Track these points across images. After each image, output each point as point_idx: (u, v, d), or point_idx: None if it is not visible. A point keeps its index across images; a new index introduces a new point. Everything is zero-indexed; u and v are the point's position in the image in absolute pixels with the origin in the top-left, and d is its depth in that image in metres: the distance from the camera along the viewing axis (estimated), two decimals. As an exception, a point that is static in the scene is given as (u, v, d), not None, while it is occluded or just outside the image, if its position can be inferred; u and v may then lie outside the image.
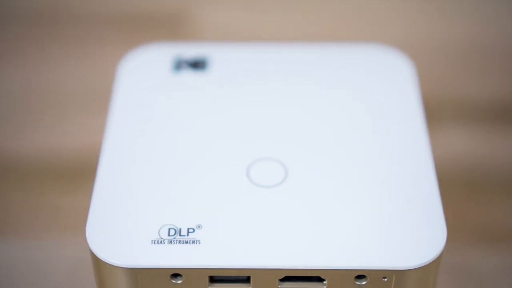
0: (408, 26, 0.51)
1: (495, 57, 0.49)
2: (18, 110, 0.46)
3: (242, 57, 0.36)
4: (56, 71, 0.48)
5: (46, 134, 0.44)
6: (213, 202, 0.30)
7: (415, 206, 0.30)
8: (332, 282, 0.28)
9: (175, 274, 0.28)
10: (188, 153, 0.32)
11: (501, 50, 0.50)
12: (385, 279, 0.28)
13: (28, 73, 0.48)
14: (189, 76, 0.35)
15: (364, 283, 0.28)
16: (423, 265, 0.28)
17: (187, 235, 0.29)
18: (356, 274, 0.28)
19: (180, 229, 0.29)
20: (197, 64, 0.36)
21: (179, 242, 0.28)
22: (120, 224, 0.29)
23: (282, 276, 0.28)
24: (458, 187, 0.42)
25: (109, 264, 0.28)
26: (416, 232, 0.29)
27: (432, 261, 0.28)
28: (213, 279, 0.29)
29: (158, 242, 0.28)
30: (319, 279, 0.29)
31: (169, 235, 0.29)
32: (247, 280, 0.29)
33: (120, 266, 0.28)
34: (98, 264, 0.29)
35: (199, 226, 0.29)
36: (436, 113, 0.45)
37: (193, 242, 0.28)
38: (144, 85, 0.35)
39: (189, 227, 0.29)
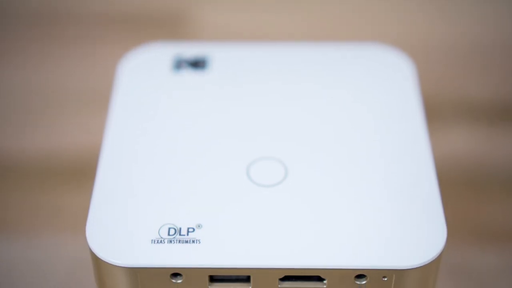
0: (408, 25, 0.51)
1: (495, 56, 0.49)
2: (18, 109, 0.46)
3: (242, 57, 0.36)
4: (56, 71, 0.48)
5: (46, 134, 0.45)
6: (213, 201, 0.30)
7: (415, 205, 0.30)
8: (332, 282, 0.28)
9: (175, 274, 0.28)
10: (188, 152, 0.32)
11: (501, 49, 0.50)
12: (385, 279, 0.28)
13: (28, 73, 0.48)
14: (189, 75, 0.35)
15: (364, 282, 0.28)
16: (423, 264, 0.28)
17: (187, 234, 0.29)
18: (356, 274, 0.28)
19: (180, 229, 0.29)
20: (197, 64, 0.36)
21: (179, 242, 0.28)
22: (120, 224, 0.29)
23: (282, 276, 0.28)
24: (458, 186, 0.42)
25: (109, 263, 0.28)
26: (416, 231, 0.29)
27: (432, 261, 0.28)
28: (213, 279, 0.29)
29: (158, 242, 0.28)
30: (319, 279, 0.29)
31: (169, 234, 0.29)
32: (247, 279, 0.29)
33: (120, 265, 0.28)
34: (98, 263, 0.29)
35: (199, 226, 0.29)
36: (436, 112, 0.45)
37: (193, 241, 0.28)
38: (144, 84, 0.35)
39: (189, 226, 0.29)
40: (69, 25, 0.51)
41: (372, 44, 0.37)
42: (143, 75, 0.35)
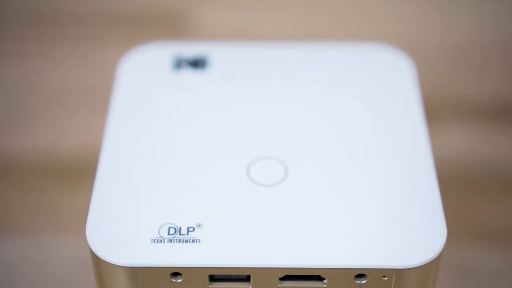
0: (409, 25, 0.51)
1: (495, 56, 0.49)
2: (18, 109, 0.46)
3: (242, 56, 0.36)
4: (56, 71, 0.48)
5: (46, 134, 0.45)
6: (213, 201, 0.30)
7: (415, 205, 0.30)
8: (332, 281, 0.28)
9: (175, 273, 0.28)
10: (188, 152, 0.32)
11: (501, 49, 0.50)
12: (385, 278, 0.28)
13: (28, 73, 0.48)
14: (189, 75, 0.35)
15: (364, 282, 0.28)
16: (423, 264, 0.28)
17: (187, 234, 0.29)
18: (356, 273, 0.28)
19: (180, 228, 0.29)
20: (197, 63, 0.36)
21: (179, 241, 0.28)
22: (120, 223, 0.29)
23: (282, 275, 0.28)
24: (458, 186, 0.42)
25: (109, 263, 0.28)
26: (416, 231, 0.29)
27: (432, 260, 0.28)
28: (213, 278, 0.29)
29: (158, 241, 0.28)
30: (319, 278, 0.29)
31: (169, 234, 0.29)
32: (247, 279, 0.29)
33: (120, 265, 0.28)
34: (98, 263, 0.29)
35: (199, 225, 0.29)
36: (436, 112, 0.45)
37: (193, 241, 0.28)
38: (144, 83, 0.35)
39: (189, 226, 0.29)
40: (69, 25, 0.51)
41: (372, 44, 0.37)
42: (143, 75, 0.35)
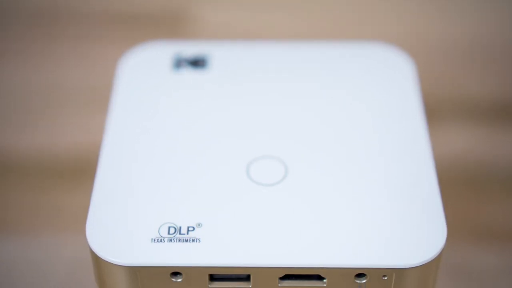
0: (409, 24, 0.51)
1: (495, 55, 0.49)
2: (18, 109, 0.46)
3: (242, 55, 0.36)
4: (56, 70, 0.48)
5: (46, 133, 0.45)
6: (213, 200, 0.30)
7: (415, 205, 0.30)
8: (332, 281, 0.28)
9: (175, 273, 0.28)
10: (187, 151, 0.32)
11: (501, 48, 0.50)
12: (385, 278, 0.28)
13: (28, 73, 0.48)
14: (189, 74, 0.35)
15: (364, 281, 0.28)
16: (423, 263, 0.28)
17: (187, 233, 0.29)
18: (356, 273, 0.28)
19: (180, 228, 0.29)
20: (197, 62, 0.36)
21: (179, 241, 0.28)
22: (120, 223, 0.29)
23: (282, 275, 0.28)
24: (458, 186, 0.42)
25: (109, 262, 0.28)
26: (416, 230, 0.29)
27: (432, 260, 0.28)
28: (213, 277, 0.29)
29: (158, 241, 0.28)
30: (319, 278, 0.29)
31: (169, 233, 0.29)
32: (247, 278, 0.29)
33: (120, 264, 0.28)
34: (98, 262, 0.29)
35: (199, 225, 0.29)
36: (436, 111, 0.45)
37: (193, 240, 0.28)
38: (144, 83, 0.35)
39: (189, 225, 0.29)
40: (69, 24, 0.51)
41: (372, 43, 0.37)
42: (143, 74, 0.35)
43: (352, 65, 0.35)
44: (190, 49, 0.36)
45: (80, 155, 0.43)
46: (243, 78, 0.35)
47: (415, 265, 0.28)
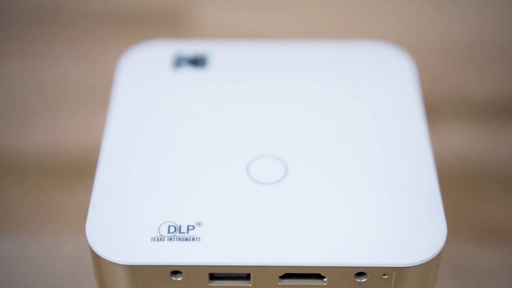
0: (409, 24, 0.51)
1: (495, 54, 0.49)
2: (18, 108, 0.46)
3: (242, 54, 0.36)
4: (56, 70, 0.48)
5: (46, 132, 0.45)
6: (213, 199, 0.30)
7: (415, 203, 0.30)
8: (332, 280, 0.28)
9: (175, 271, 0.28)
10: (188, 150, 0.32)
11: (501, 48, 0.50)
12: (385, 276, 0.28)
13: (28, 72, 0.48)
14: (189, 73, 0.35)
15: (364, 280, 0.28)
16: (423, 262, 0.28)
17: (187, 232, 0.29)
18: (356, 272, 0.28)
19: (180, 226, 0.29)
20: (197, 61, 0.36)
21: (179, 239, 0.28)
22: (120, 221, 0.29)
23: (282, 274, 0.28)
24: (458, 184, 0.42)
25: (109, 261, 0.28)
26: (417, 229, 0.29)
27: (432, 258, 0.28)
28: (213, 276, 0.29)
29: (158, 239, 0.28)
30: (319, 277, 0.28)
31: (169, 232, 0.29)
32: (247, 277, 0.29)
33: (120, 263, 0.28)
34: (98, 261, 0.29)
35: (199, 224, 0.29)
36: (436, 110, 0.45)
37: (193, 239, 0.28)
38: (144, 82, 0.35)
39: (189, 224, 0.29)
40: (68, 23, 0.51)
41: (372, 42, 0.37)
42: (143, 73, 0.35)
43: (352, 64, 0.35)
44: (190, 48, 0.36)
45: (80, 154, 0.43)
46: (243, 77, 0.35)
47: (415, 264, 0.28)
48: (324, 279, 0.28)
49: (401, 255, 0.28)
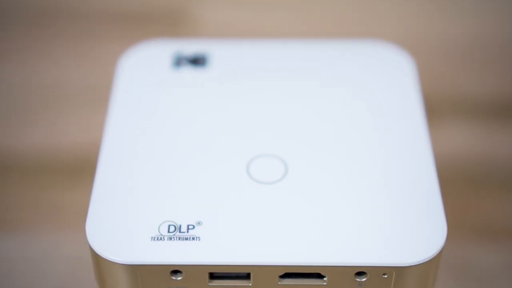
0: (409, 23, 0.51)
1: (495, 54, 0.49)
2: (18, 108, 0.46)
3: (242, 54, 0.36)
4: (56, 69, 0.48)
5: (46, 132, 0.45)
6: (213, 198, 0.30)
7: (415, 203, 0.30)
8: (332, 279, 0.28)
9: (175, 271, 0.28)
10: (188, 149, 0.32)
11: (501, 48, 0.50)
12: (385, 276, 0.28)
13: (28, 72, 0.48)
14: (189, 72, 0.35)
15: (364, 279, 0.28)
16: (423, 261, 0.28)
17: (187, 231, 0.29)
18: (356, 271, 0.28)
19: (180, 226, 0.29)
20: (197, 61, 0.36)
21: (179, 239, 0.28)
22: (120, 221, 0.29)
23: (282, 273, 0.28)
24: (458, 184, 0.42)
25: (109, 260, 0.28)
26: (416, 228, 0.29)
27: (432, 258, 0.28)
28: (213, 276, 0.29)
29: (158, 239, 0.28)
30: (319, 276, 0.28)
31: (169, 231, 0.29)
32: (247, 276, 0.29)
33: (120, 262, 0.28)
34: (98, 261, 0.29)
35: (199, 223, 0.29)
36: (436, 109, 0.45)
37: (193, 238, 0.28)
38: (144, 81, 0.35)
39: (189, 223, 0.29)
40: (68, 23, 0.51)
41: (372, 42, 0.37)
42: (143, 72, 0.35)
43: (352, 63, 0.35)
44: (190, 47, 0.36)
45: (80, 154, 0.43)
46: (243, 76, 0.35)
47: (416, 263, 0.28)
48: (324, 279, 0.28)
49: (401, 254, 0.28)
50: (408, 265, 0.28)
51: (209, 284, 0.29)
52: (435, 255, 0.28)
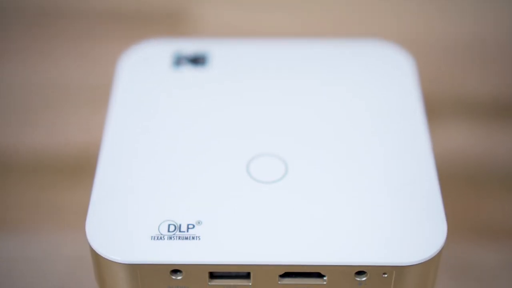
0: (409, 22, 0.51)
1: (495, 54, 0.49)
2: (18, 108, 0.46)
3: (242, 53, 0.36)
4: (56, 69, 0.48)
5: (46, 132, 0.44)
6: (213, 198, 0.30)
7: (415, 202, 0.30)
8: (332, 278, 0.28)
9: (175, 270, 0.28)
10: (187, 149, 0.32)
11: (500, 48, 0.50)
12: (385, 275, 0.28)
13: (28, 72, 0.48)
14: (189, 72, 0.35)
15: (364, 279, 0.28)
16: (423, 261, 0.28)
17: (187, 231, 0.29)
18: (356, 270, 0.28)
19: (180, 225, 0.29)
20: (197, 60, 0.36)
21: (179, 238, 0.28)
22: (120, 220, 0.29)
23: (282, 272, 0.28)
24: (458, 183, 0.42)
25: (109, 260, 0.28)
26: (416, 228, 0.29)
27: (432, 257, 0.28)
28: (213, 275, 0.29)
29: (158, 238, 0.28)
30: (319, 275, 0.28)
31: (169, 231, 0.29)
32: (247, 276, 0.29)
33: (120, 262, 0.28)
34: (98, 260, 0.29)
35: (199, 222, 0.29)
36: (436, 109, 0.45)
37: (193, 238, 0.28)
38: (144, 81, 0.35)
39: (189, 223, 0.29)
40: (68, 23, 0.51)
41: (372, 41, 0.37)
42: (143, 72, 0.35)
43: (353, 63, 0.35)
44: (190, 46, 0.36)
45: (80, 154, 0.43)
46: (243, 76, 0.35)
47: (416, 263, 0.28)
48: (324, 278, 0.28)
49: (401, 254, 0.28)
50: (408, 265, 0.28)
51: (209, 283, 0.29)
52: (435, 254, 0.28)
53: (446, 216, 0.29)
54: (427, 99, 0.36)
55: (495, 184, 0.42)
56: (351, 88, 0.34)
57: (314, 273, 0.28)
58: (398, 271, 0.28)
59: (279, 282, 0.29)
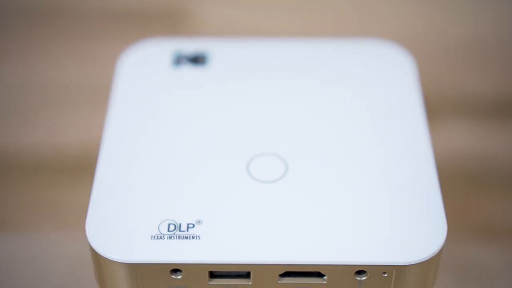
0: (409, 22, 0.51)
1: (495, 54, 0.49)
2: (18, 107, 0.46)
3: (242, 52, 0.36)
4: (56, 69, 0.48)
5: (46, 132, 0.45)
6: (213, 197, 0.30)
7: (415, 202, 0.30)
8: (332, 278, 0.28)
9: (175, 270, 0.28)
10: (187, 148, 0.32)
11: (500, 48, 0.50)
12: (385, 275, 0.28)
13: (28, 71, 0.48)
14: (189, 71, 0.35)
15: (364, 278, 0.28)
16: (423, 260, 0.28)
17: (187, 230, 0.29)
18: (356, 270, 0.28)
19: (180, 225, 0.29)
20: (197, 59, 0.36)
21: (179, 238, 0.28)
22: (120, 220, 0.29)
23: (282, 272, 0.28)
24: (459, 183, 0.42)
25: (109, 259, 0.28)
26: (417, 227, 0.29)
27: (432, 257, 0.28)
28: (213, 275, 0.29)
29: (158, 238, 0.28)
30: (319, 275, 0.28)
31: (169, 230, 0.29)
32: (247, 275, 0.29)
33: (120, 261, 0.28)
34: (98, 260, 0.29)
35: (199, 222, 0.29)
36: (436, 108, 0.45)
37: (193, 237, 0.28)
38: (144, 80, 0.35)
39: (189, 222, 0.29)
40: (68, 23, 0.51)
41: (372, 40, 0.37)
42: (142, 71, 0.35)
43: (353, 62, 0.35)
44: (190, 46, 0.36)
45: (80, 154, 0.43)
46: (243, 75, 0.35)
47: (416, 262, 0.28)
48: (324, 277, 0.28)
49: (401, 253, 0.28)
50: (408, 264, 0.28)
51: (209, 283, 0.29)
52: (435, 254, 0.28)
53: (446, 216, 0.29)
54: (427, 99, 0.36)
55: (495, 184, 0.42)
56: (351, 87, 0.34)
57: (314, 273, 0.28)
58: (398, 271, 0.28)
59: (279, 282, 0.29)
